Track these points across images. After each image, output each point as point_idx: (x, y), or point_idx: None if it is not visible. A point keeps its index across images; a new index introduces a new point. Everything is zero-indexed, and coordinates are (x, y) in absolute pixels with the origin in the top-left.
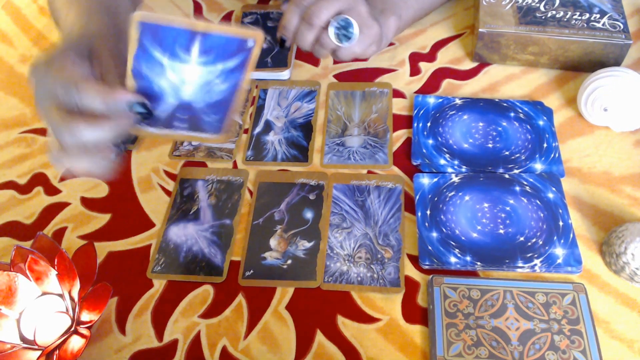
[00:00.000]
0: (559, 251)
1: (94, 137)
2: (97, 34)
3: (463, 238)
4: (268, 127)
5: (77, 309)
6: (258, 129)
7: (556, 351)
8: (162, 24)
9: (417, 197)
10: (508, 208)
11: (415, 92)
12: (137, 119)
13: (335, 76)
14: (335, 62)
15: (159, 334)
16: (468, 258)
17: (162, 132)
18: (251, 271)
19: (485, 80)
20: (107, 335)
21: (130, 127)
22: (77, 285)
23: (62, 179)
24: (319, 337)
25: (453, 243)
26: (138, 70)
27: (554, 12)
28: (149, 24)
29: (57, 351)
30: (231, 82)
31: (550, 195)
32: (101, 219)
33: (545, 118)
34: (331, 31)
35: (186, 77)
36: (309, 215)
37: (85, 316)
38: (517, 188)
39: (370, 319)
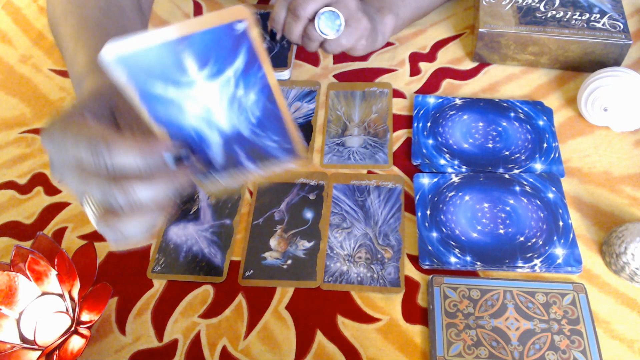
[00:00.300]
0: (559, 251)
1: (151, 195)
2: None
3: (463, 238)
4: None
5: (77, 309)
6: None
7: (556, 351)
8: (136, 50)
9: (417, 197)
10: (508, 208)
11: (415, 92)
12: (193, 169)
13: (335, 76)
14: (335, 62)
15: (159, 334)
16: (468, 258)
17: (231, 177)
18: (251, 271)
19: (485, 80)
20: (107, 336)
21: (188, 181)
22: (77, 285)
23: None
24: (319, 337)
25: (453, 243)
26: (156, 115)
27: (554, 12)
28: (124, 56)
29: (57, 351)
30: (257, 86)
31: (550, 195)
32: None
33: (545, 118)
34: (317, 23)
35: (206, 102)
36: (309, 215)
37: (85, 316)
38: (517, 188)
39: (370, 319)
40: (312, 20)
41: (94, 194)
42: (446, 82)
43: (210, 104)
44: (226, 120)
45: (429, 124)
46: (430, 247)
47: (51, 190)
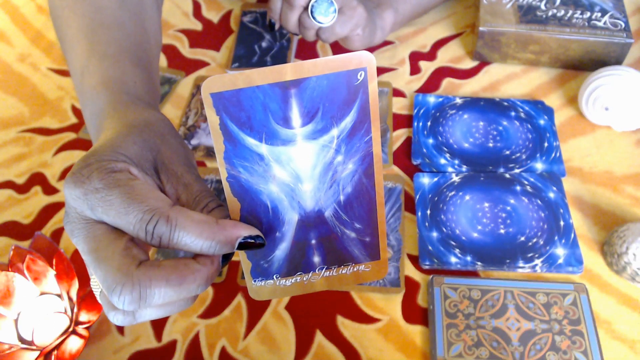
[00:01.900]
0: (560, 251)
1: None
2: (155, 124)
3: (463, 238)
4: None
5: (75, 309)
6: None
7: (557, 352)
8: (240, 88)
9: (417, 196)
10: (509, 208)
11: (415, 91)
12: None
13: None
14: None
15: (158, 335)
16: (468, 258)
17: (291, 282)
18: None
19: (485, 80)
20: (106, 336)
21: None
22: (75, 285)
23: (61, 178)
24: (319, 338)
25: (453, 243)
26: (233, 177)
27: (554, 11)
28: (224, 94)
29: (56, 352)
30: (359, 153)
31: (551, 194)
32: None
33: (546, 117)
34: (310, 10)
35: (298, 166)
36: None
37: (84, 316)
38: (518, 188)
39: (370, 319)
40: (307, 8)
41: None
42: (446, 81)
43: (301, 169)
44: (312, 193)
45: (429, 123)
46: (430, 247)
47: (49, 190)
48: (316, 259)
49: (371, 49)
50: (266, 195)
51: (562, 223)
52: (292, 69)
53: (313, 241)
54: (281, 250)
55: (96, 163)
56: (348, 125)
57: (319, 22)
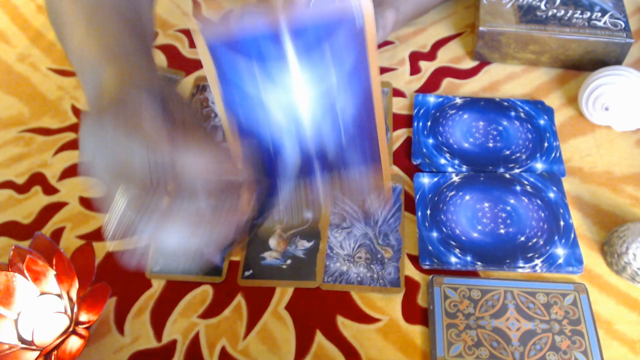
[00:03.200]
0: (560, 251)
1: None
2: (159, 84)
3: (463, 238)
4: None
5: (75, 309)
6: None
7: (557, 352)
8: (235, 39)
9: (417, 196)
10: (509, 208)
11: (415, 91)
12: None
13: None
14: None
15: (158, 335)
16: (468, 258)
17: (296, 208)
18: (250, 271)
19: (485, 79)
20: (106, 336)
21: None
22: (75, 285)
23: (61, 178)
24: (319, 338)
25: (453, 243)
26: (235, 112)
27: (554, 11)
28: (219, 45)
29: (56, 352)
30: (358, 95)
31: (551, 194)
32: (100, 219)
33: (546, 117)
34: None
35: (297, 108)
36: (308, 214)
37: (84, 316)
38: (518, 188)
39: (370, 319)
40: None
41: (130, 200)
42: (446, 81)
43: (302, 110)
44: (314, 132)
45: (429, 123)
46: (430, 247)
47: (49, 189)
48: (322, 187)
49: None
50: (267, 133)
51: (562, 223)
52: (287, 14)
53: (319, 172)
54: (284, 186)
55: (111, 110)
56: (347, 69)
57: None
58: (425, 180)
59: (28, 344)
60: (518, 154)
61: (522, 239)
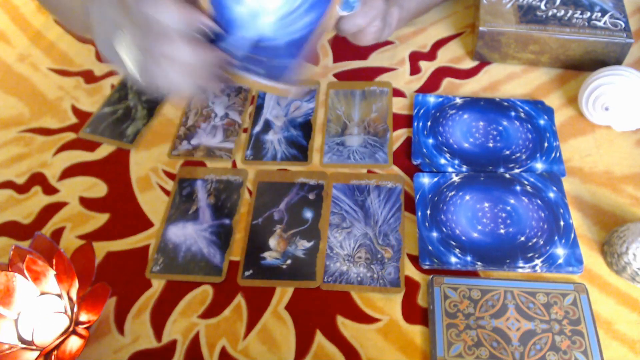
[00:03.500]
0: (560, 251)
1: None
2: None
3: (463, 238)
4: (267, 126)
5: (75, 309)
6: (257, 128)
7: (557, 352)
8: None
9: (417, 196)
10: (509, 208)
11: (415, 91)
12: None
13: (335, 75)
14: (335, 61)
15: (158, 335)
16: (468, 258)
17: (236, 74)
18: (250, 271)
19: (485, 79)
20: (106, 336)
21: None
22: (75, 285)
23: (61, 178)
24: (319, 338)
25: (453, 243)
26: None
27: (554, 11)
28: None
29: (56, 352)
30: (314, 14)
31: (551, 194)
32: (100, 219)
33: (546, 117)
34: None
35: (266, 4)
36: (308, 215)
37: (84, 316)
38: (518, 188)
39: (370, 319)
40: None
41: (128, 37)
42: (446, 81)
43: (268, 6)
44: (271, 26)
45: (429, 123)
46: (430, 247)
47: (49, 190)
48: (259, 69)
49: (371, 49)
50: (233, 11)
51: (562, 223)
52: None
53: (261, 57)
54: (237, 55)
55: None
56: None
57: (341, 12)
58: (425, 180)
59: (28, 344)
60: (518, 154)
61: (522, 239)
